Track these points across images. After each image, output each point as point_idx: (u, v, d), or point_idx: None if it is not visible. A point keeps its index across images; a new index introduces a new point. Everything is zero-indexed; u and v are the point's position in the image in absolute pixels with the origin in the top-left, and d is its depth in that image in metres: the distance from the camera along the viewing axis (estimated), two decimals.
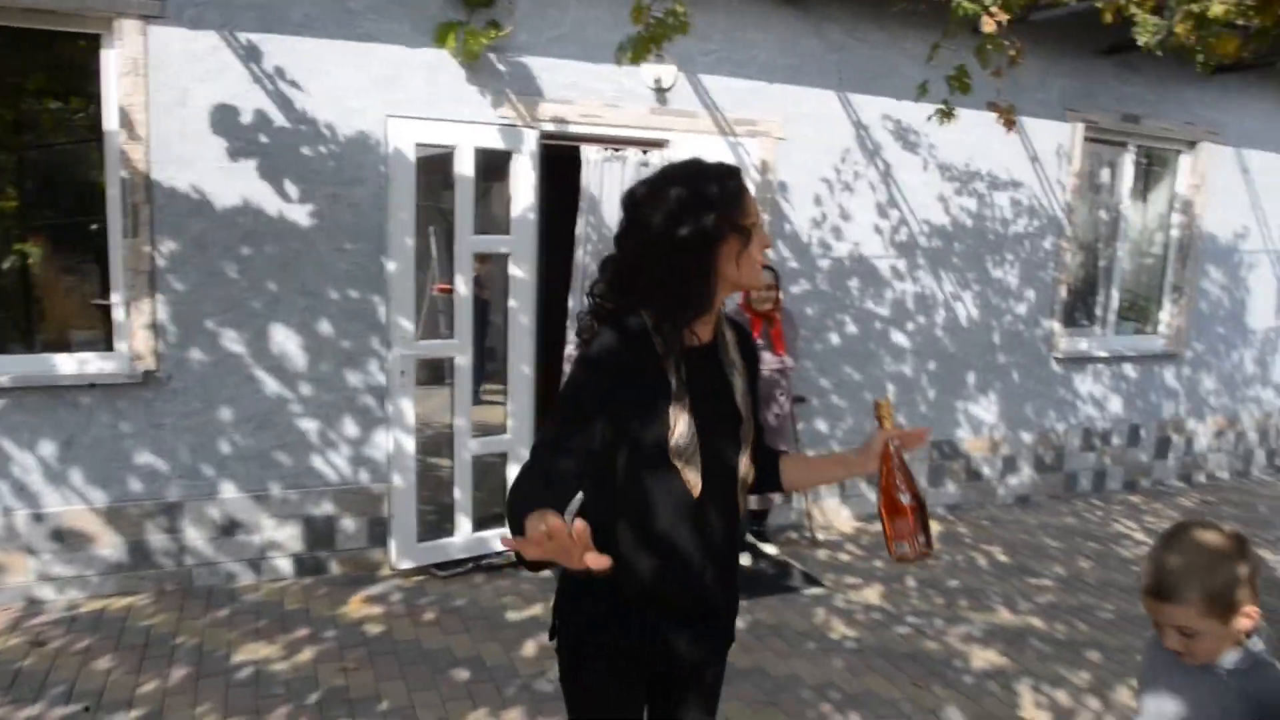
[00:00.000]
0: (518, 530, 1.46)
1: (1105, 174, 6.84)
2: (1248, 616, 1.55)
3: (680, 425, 1.69)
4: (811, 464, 2.21)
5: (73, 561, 4.18)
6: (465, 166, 4.45)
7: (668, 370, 1.71)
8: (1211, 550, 1.58)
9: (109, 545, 4.22)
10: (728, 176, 1.73)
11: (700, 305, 1.74)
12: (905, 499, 1.75)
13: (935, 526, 5.99)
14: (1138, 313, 7.22)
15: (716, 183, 1.71)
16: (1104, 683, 3.91)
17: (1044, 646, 4.24)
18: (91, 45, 4.07)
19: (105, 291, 4.47)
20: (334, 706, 3.40)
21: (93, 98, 4.18)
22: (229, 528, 4.41)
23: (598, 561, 1.32)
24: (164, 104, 4.06)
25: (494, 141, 4.53)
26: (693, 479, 1.72)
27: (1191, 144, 6.92)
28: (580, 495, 1.74)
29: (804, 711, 3.55)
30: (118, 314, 4.17)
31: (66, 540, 4.15)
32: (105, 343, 4.26)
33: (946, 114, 4.38)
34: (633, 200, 1.76)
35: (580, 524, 1.30)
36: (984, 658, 4.10)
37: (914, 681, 3.84)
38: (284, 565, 4.54)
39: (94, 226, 4.41)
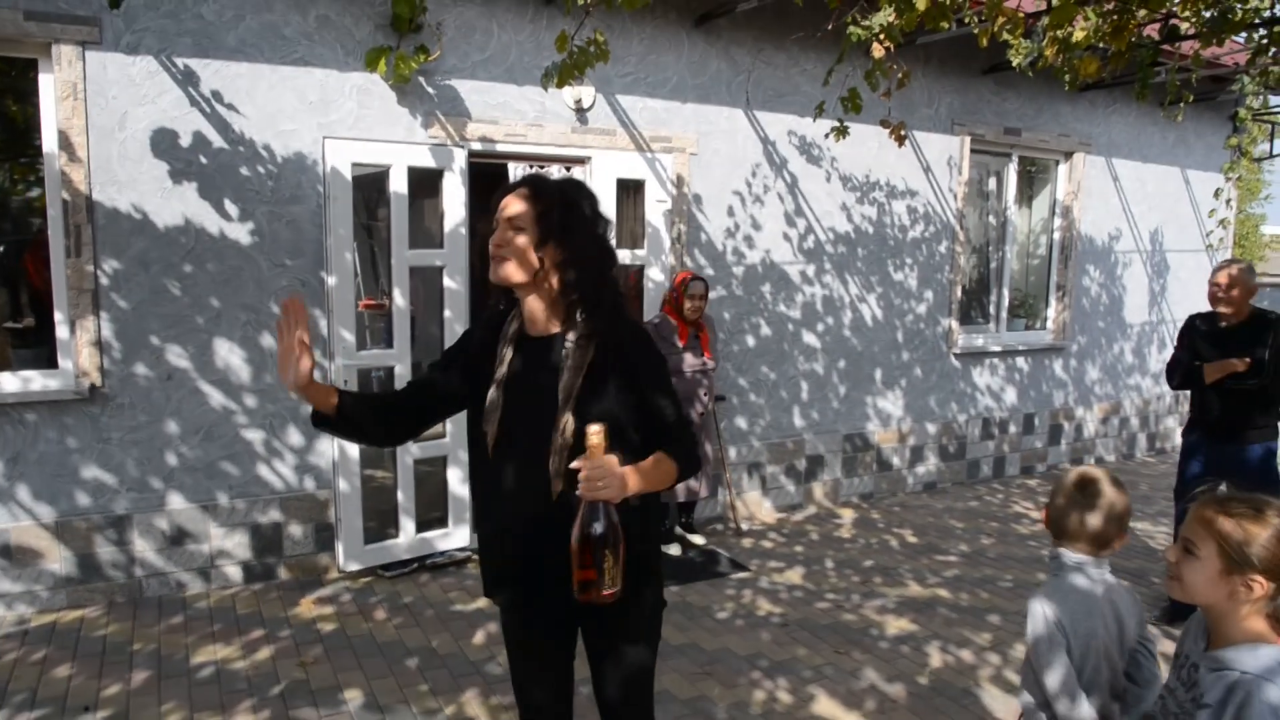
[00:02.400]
0: None
1: (992, 183, 7.42)
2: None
3: (490, 393, 2.06)
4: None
5: (21, 577, 4.24)
6: (399, 184, 4.68)
7: (498, 350, 2.10)
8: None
9: (58, 560, 4.29)
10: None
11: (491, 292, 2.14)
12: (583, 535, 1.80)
13: (849, 513, 6.43)
14: (1026, 310, 7.82)
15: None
16: (1004, 641, 4.33)
17: (950, 614, 4.66)
18: (29, 69, 4.18)
19: (17, 313, 4.53)
20: (297, 698, 3.57)
21: (27, 121, 4.29)
22: (178, 538, 4.52)
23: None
24: (103, 127, 4.19)
25: (425, 160, 4.77)
26: (490, 440, 2.05)
27: (1067, 154, 7.55)
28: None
29: (736, 679, 3.86)
30: (62, 332, 4.26)
31: (14, 556, 4.21)
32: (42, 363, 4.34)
33: (841, 132, 4.79)
34: None
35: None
36: (897, 625, 4.48)
37: (835, 649, 4.19)
38: (233, 573, 4.66)
39: (1, 248, 4.50)
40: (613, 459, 1.80)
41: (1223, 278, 4.37)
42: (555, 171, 5.27)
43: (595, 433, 1.78)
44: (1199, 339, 4.55)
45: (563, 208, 2.00)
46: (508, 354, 2.07)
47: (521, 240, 1.98)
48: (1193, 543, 1.65)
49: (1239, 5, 4.59)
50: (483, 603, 4.56)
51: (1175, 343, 4.68)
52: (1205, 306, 4.62)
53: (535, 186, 2.02)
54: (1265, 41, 4.85)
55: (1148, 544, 5.92)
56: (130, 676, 3.71)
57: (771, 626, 4.42)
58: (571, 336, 2.02)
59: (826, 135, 4.87)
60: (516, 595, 2.13)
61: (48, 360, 4.33)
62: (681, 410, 2.11)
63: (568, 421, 1.95)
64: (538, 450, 1.97)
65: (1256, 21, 4.97)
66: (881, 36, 3.97)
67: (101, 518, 4.36)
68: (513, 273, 2.00)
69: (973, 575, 5.23)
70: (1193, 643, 1.72)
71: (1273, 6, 4.88)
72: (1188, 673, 1.68)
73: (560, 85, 3.89)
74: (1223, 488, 1.71)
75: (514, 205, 2.00)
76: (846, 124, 4.80)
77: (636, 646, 2.17)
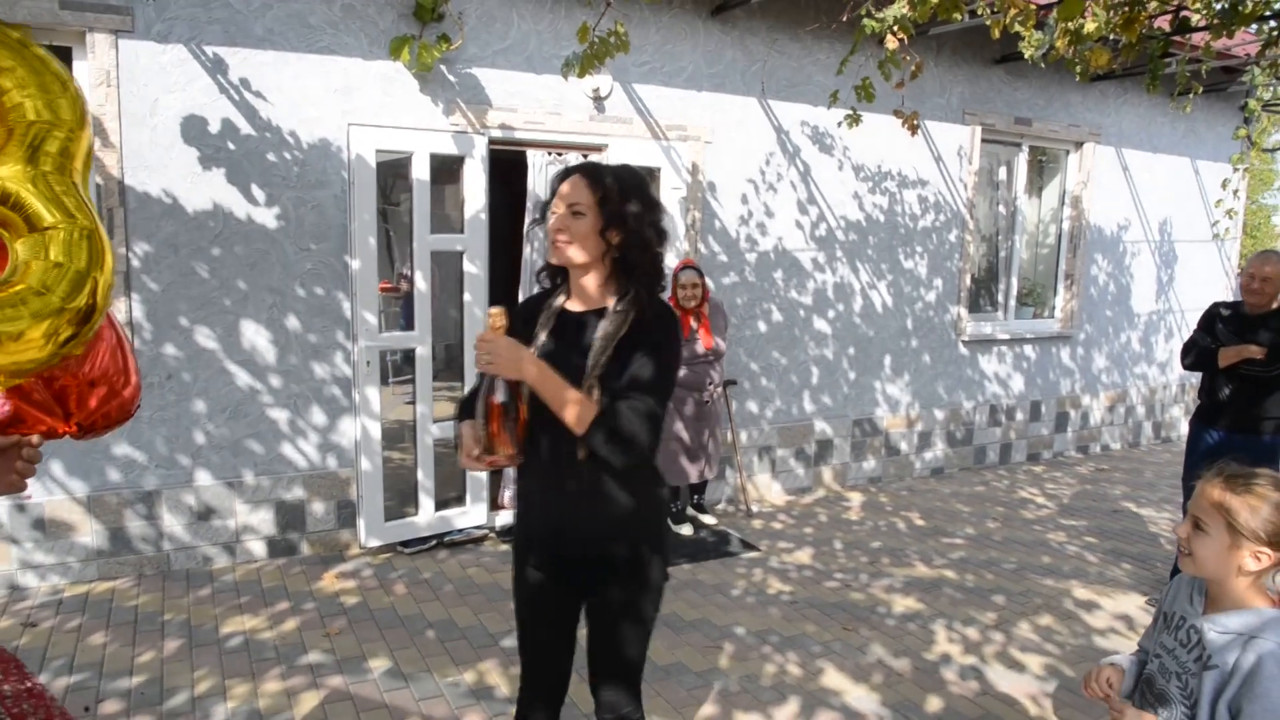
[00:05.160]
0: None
1: (1002, 172, 7.49)
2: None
3: None
4: None
5: (54, 549, 4.38)
6: (422, 171, 4.78)
7: (536, 325, 2.20)
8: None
9: (89, 533, 4.43)
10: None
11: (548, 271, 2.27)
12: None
13: (857, 496, 6.54)
14: (1034, 298, 7.90)
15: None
16: (1008, 620, 4.44)
17: (956, 594, 4.77)
18: (62, 57, 4.29)
19: None
20: (324, 667, 3.71)
21: None
22: (204, 513, 4.65)
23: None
24: (135, 113, 4.30)
25: (447, 147, 4.87)
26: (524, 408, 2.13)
27: (1077, 144, 7.61)
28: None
29: (747, 653, 3.98)
30: None
31: (48, 529, 4.35)
32: None
33: (854, 120, 4.87)
34: None
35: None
36: (904, 604, 4.59)
37: (843, 626, 4.31)
38: (257, 548, 4.80)
39: None
40: (508, 341, 1.97)
41: (1269, 270, 4.39)
42: (573, 158, 5.37)
43: (494, 314, 1.97)
44: (1220, 324, 4.61)
45: (621, 193, 2.09)
46: (545, 329, 2.18)
47: (584, 225, 2.07)
48: (1202, 520, 1.74)
49: None
50: (501, 578, 4.70)
51: (1196, 326, 4.74)
52: (1212, 295, 4.69)
53: (593, 173, 2.10)
54: (1276, 33, 4.91)
55: (1151, 529, 6.02)
56: (163, 645, 3.85)
57: (781, 604, 4.54)
58: (610, 312, 2.12)
59: (840, 124, 4.95)
60: (542, 559, 2.24)
61: None
62: (658, 407, 2.05)
63: (592, 388, 2.02)
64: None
65: (1268, 14, 5.03)
66: (896, 29, 4.05)
67: (131, 493, 4.50)
68: (575, 255, 2.10)
69: (978, 557, 5.34)
70: (1187, 605, 1.82)
71: None
72: (1187, 634, 1.78)
73: (582, 75, 3.99)
74: (1228, 465, 1.79)
75: (574, 190, 2.08)
76: (860, 113, 4.89)
77: (641, 614, 2.28)
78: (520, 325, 2.27)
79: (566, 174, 2.14)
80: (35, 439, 1.58)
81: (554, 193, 2.15)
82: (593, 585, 2.25)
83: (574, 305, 2.20)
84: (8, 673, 1.25)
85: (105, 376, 1.82)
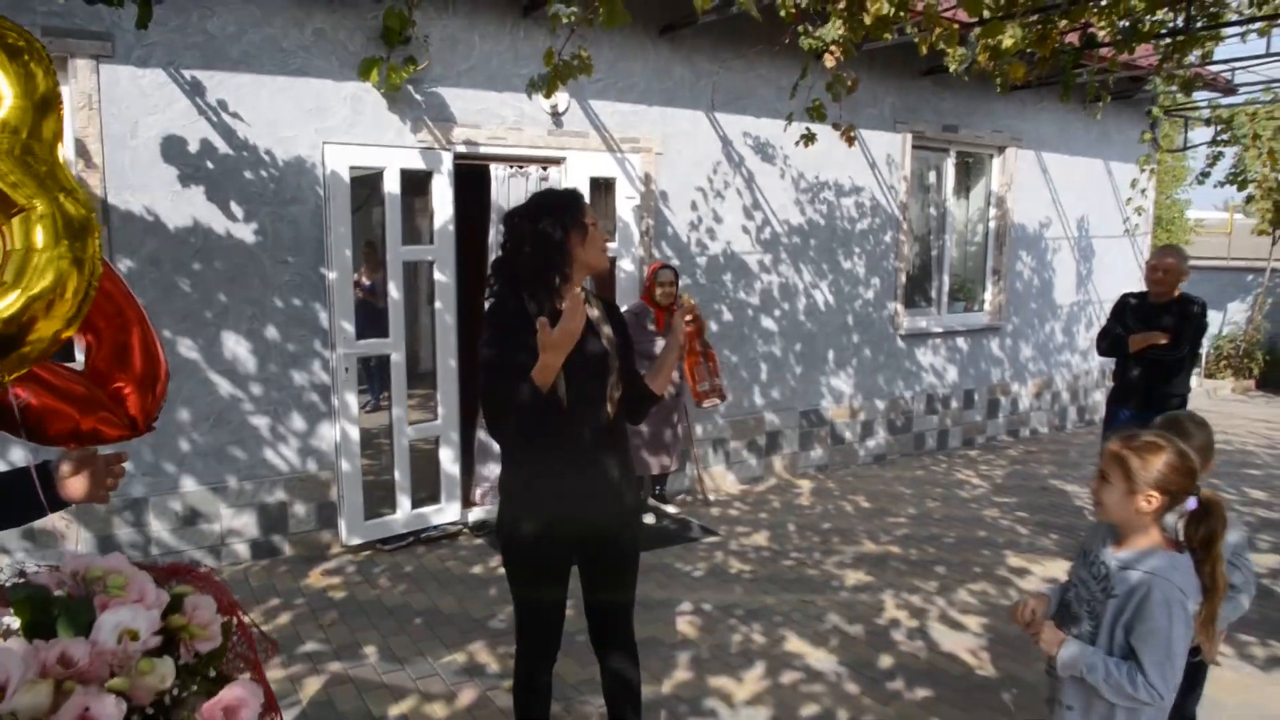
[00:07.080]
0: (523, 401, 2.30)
1: (932, 176, 7.98)
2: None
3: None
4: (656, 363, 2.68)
5: (44, 559, 4.53)
6: (393, 185, 5.04)
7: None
8: (1167, 442, 2.07)
9: (77, 541, 4.59)
10: (569, 198, 2.55)
11: (559, 277, 2.49)
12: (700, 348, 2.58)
13: (806, 483, 6.94)
14: (965, 293, 8.42)
15: (560, 203, 2.53)
16: (948, 588, 4.86)
17: (901, 566, 5.18)
18: None
19: None
20: (322, 655, 3.95)
21: None
22: (190, 518, 4.84)
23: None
24: (117, 135, 4.48)
25: (416, 163, 5.13)
26: (560, 398, 2.37)
27: (1000, 149, 8.14)
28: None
29: (715, 626, 4.33)
30: None
31: (38, 539, 4.50)
32: None
33: (809, 139, 5.27)
34: (511, 219, 2.55)
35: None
36: (855, 577, 4.99)
37: (801, 598, 4.68)
38: (242, 550, 5.00)
39: None
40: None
41: (1169, 261, 4.89)
42: (533, 172, 5.66)
43: (687, 296, 2.60)
44: (1129, 313, 5.09)
45: None
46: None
47: None
48: (1106, 473, 2.13)
49: (1148, 18, 5.16)
50: (478, 569, 4.97)
51: (1108, 315, 5.22)
52: (1128, 287, 5.17)
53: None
54: (1171, 48, 5.43)
55: (1075, 503, 6.52)
56: None
57: (743, 581, 4.89)
58: (597, 305, 2.61)
59: (796, 143, 5.33)
60: (571, 523, 2.50)
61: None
62: None
63: (614, 359, 2.50)
64: (596, 387, 2.46)
65: (1163, 32, 5.55)
66: (834, 49, 4.43)
67: (119, 501, 4.66)
68: None
69: (920, 534, 5.77)
70: (1100, 545, 2.20)
71: (1175, 19, 5.45)
72: (1098, 569, 2.16)
73: (548, 95, 4.30)
74: (1129, 429, 2.18)
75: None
76: (810, 129, 5.28)
77: (636, 563, 2.72)
78: (521, 325, 2.49)
79: (581, 200, 2.56)
80: (125, 454, 1.84)
81: (580, 212, 2.50)
82: (614, 536, 2.59)
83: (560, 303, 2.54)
84: (235, 606, 1.49)
85: (150, 370, 1.98)
